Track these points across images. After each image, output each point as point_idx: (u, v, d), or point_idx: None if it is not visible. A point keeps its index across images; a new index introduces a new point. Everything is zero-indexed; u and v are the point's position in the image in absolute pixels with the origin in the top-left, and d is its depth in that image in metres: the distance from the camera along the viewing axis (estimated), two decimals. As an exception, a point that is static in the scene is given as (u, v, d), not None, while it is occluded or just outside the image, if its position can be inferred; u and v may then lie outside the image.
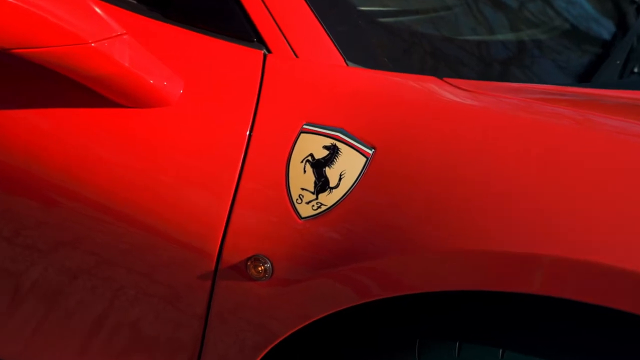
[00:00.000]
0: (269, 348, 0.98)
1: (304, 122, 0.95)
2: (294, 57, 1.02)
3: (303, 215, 0.92)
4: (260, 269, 0.93)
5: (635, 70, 1.45)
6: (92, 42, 0.85)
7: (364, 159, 0.91)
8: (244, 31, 1.02)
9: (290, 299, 0.95)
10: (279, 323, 0.97)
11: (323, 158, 0.92)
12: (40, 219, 1.05)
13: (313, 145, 0.93)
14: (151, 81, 0.94)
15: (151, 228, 0.99)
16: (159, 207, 0.98)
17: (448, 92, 0.99)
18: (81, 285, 1.10)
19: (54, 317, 1.16)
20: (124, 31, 0.88)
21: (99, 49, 0.86)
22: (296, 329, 0.97)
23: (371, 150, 0.91)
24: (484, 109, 0.95)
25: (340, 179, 0.91)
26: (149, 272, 1.03)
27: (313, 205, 0.91)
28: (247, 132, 0.95)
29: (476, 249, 0.83)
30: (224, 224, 0.94)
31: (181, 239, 0.98)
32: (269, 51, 1.02)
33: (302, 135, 0.94)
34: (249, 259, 0.94)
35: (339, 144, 0.92)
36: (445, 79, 1.05)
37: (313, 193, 0.92)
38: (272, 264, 0.93)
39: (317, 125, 0.94)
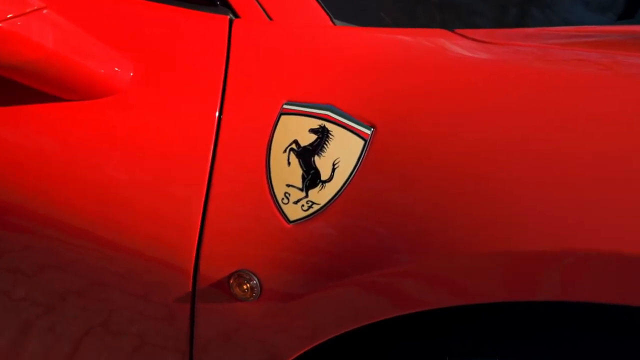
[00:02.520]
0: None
1: (284, 101, 0.75)
2: (267, 20, 0.82)
3: (292, 218, 0.73)
4: (245, 287, 0.75)
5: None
6: (-2, 22, 0.66)
7: (362, 142, 0.72)
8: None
9: (289, 319, 0.77)
10: (278, 348, 0.79)
11: (310, 145, 0.73)
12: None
13: (297, 129, 0.74)
14: (88, 65, 0.75)
15: (114, 243, 0.81)
16: (118, 219, 0.80)
17: (461, 48, 0.79)
18: (50, 313, 0.93)
19: (29, 343, 0.99)
20: (43, 5, 0.69)
21: (10, 29, 0.66)
22: (301, 352, 0.79)
23: (370, 129, 0.72)
24: (503, 64, 0.75)
25: (333, 170, 0.72)
26: (124, 296, 0.85)
27: (303, 205, 0.72)
28: (216, 114, 0.76)
29: (511, 250, 0.64)
30: (197, 235, 0.76)
31: (151, 254, 0.80)
32: (236, 15, 0.82)
33: (282, 117, 0.75)
34: (230, 275, 0.76)
35: (329, 126, 0.73)
36: (456, 30, 0.84)
37: (301, 190, 0.73)
38: (259, 281, 0.75)
39: (300, 104, 0.75)
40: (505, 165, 0.68)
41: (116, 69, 0.79)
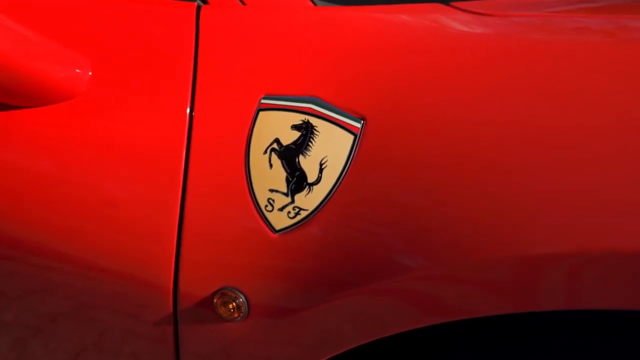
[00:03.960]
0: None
1: (262, 95, 0.66)
2: (239, 4, 0.73)
3: (277, 227, 0.64)
4: (231, 306, 0.67)
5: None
6: None
7: (352, 137, 0.63)
8: (164, -21, 0.73)
9: (285, 336, 0.69)
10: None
11: (294, 143, 0.65)
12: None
13: (277, 126, 0.65)
14: (39, 69, 0.66)
15: (92, 263, 0.73)
16: (92, 237, 0.71)
17: (459, 23, 0.70)
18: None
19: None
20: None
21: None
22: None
23: (360, 122, 0.63)
24: (504, 40, 0.67)
25: (321, 170, 0.63)
26: (114, 316, 0.77)
27: (289, 212, 0.64)
28: (187, 112, 0.67)
29: (521, 253, 0.56)
30: (174, 251, 0.67)
31: (130, 272, 0.72)
32: (204, 1, 0.73)
33: (260, 114, 0.66)
34: (214, 294, 0.67)
35: (313, 120, 0.64)
36: (452, 3, 0.75)
37: (286, 194, 0.64)
38: (246, 298, 0.66)
39: (280, 97, 0.66)
40: (511, 153, 0.59)
41: (72, 69, 0.70)
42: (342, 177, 0.64)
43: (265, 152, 0.66)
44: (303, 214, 0.65)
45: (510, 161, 0.60)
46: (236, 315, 0.68)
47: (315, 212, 0.64)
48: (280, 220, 0.65)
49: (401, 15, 0.73)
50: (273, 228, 0.66)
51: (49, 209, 0.73)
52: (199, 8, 0.73)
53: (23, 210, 0.73)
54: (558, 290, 0.59)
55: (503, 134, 0.61)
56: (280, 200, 0.65)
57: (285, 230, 0.65)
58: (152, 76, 0.70)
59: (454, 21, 0.72)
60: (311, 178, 0.65)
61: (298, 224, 0.65)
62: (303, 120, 0.65)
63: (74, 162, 0.71)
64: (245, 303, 0.67)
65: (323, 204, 0.64)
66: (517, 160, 0.59)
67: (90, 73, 0.71)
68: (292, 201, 0.65)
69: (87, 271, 0.73)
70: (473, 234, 0.60)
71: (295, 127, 0.65)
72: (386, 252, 0.63)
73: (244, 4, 0.74)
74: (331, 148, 0.64)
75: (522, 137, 0.60)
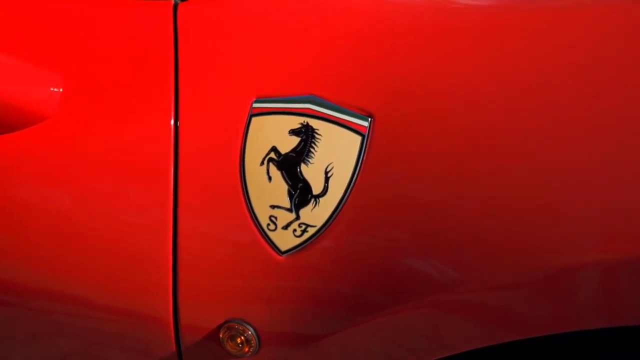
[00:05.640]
0: None
1: (253, 98, 0.58)
2: (222, -3, 0.64)
3: (283, 247, 0.56)
4: (239, 340, 0.59)
5: None
6: None
7: (359, 138, 0.54)
8: (135, -24, 0.65)
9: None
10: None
11: (293, 151, 0.56)
12: None
13: (273, 132, 0.56)
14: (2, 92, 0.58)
15: (90, 302, 0.66)
16: (85, 274, 0.64)
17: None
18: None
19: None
20: None
21: None
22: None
23: (367, 120, 0.54)
24: (516, 11, 0.57)
25: (327, 180, 0.55)
26: (123, 352, 0.70)
27: (295, 230, 0.55)
28: (172, 123, 0.59)
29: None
30: (170, 280, 0.59)
31: (129, 308, 0.65)
32: (181, -2, 0.64)
33: (253, 119, 0.57)
34: (219, 328, 0.59)
35: (313, 122, 0.56)
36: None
37: (290, 210, 0.56)
38: (255, 330, 0.58)
39: (274, 99, 0.58)
40: (536, 138, 0.50)
41: (40, 88, 0.62)
42: (351, 184, 0.55)
43: (262, 163, 0.57)
44: (311, 230, 0.56)
45: (537, 147, 0.51)
46: (246, 350, 0.60)
47: (325, 227, 0.56)
48: (285, 240, 0.57)
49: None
50: (278, 249, 0.57)
51: (36, 243, 0.65)
52: (175, 6, 0.65)
53: (6, 248, 0.66)
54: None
55: (525, 117, 0.52)
56: (284, 217, 0.57)
57: (293, 251, 0.57)
58: (129, 87, 0.62)
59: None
60: (316, 189, 0.56)
61: (306, 243, 0.56)
62: (302, 124, 0.57)
63: (51, 192, 0.64)
64: (255, 335, 0.59)
65: (333, 218, 0.56)
66: (545, 145, 0.50)
67: (60, 89, 0.63)
68: (297, 217, 0.56)
69: (88, 310, 0.66)
70: (513, 243, 0.51)
71: (293, 132, 0.57)
72: (412, 264, 0.55)
73: (226, -5, 0.65)
74: (336, 153, 0.56)
75: (548, 122, 0.51)
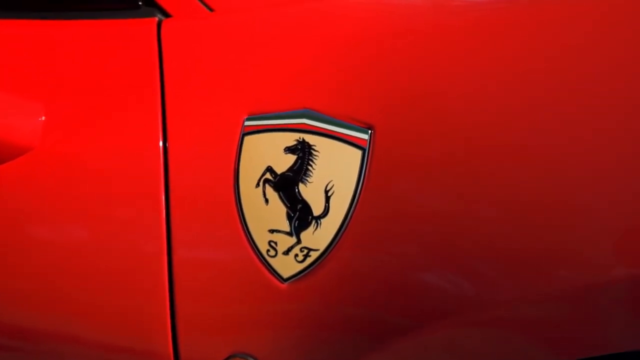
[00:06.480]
0: None
1: (245, 116, 0.54)
2: (207, 11, 0.61)
3: (286, 274, 0.52)
4: (245, 376, 0.54)
5: None
6: None
7: (359, 152, 0.50)
8: (115, -5, 0.62)
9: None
10: None
11: (290, 170, 0.52)
12: None
13: (268, 151, 0.52)
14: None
15: (89, 340, 0.62)
16: (78, 312, 0.61)
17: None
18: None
19: None
20: None
21: None
22: None
23: (367, 133, 0.50)
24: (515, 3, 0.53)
25: (328, 199, 0.51)
26: None
27: (297, 255, 0.51)
28: (160, 145, 0.55)
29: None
30: (167, 313, 0.55)
31: (129, 346, 0.60)
32: (165, 15, 0.61)
33: (246, 138, 0.53)
34: (223, 363, 0.55)
35: (309, 138, 0.52)
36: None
37: (290, 234, 0.52)
38: (261, 365, 0.54)
39: (266, 116, 0.54)
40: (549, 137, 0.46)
41: (19, 119, 0.59)
42: (354, 203, 0.51)
43: (258, 184, 0.53)
44: (314, 255, 0.52)
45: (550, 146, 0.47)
46: (253, 386, 0.55)
47: (329, 250, 0.52)
48: (287, 266, 0.53)
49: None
50: (281, 277, 0.53)
51: (23, 280, 0.62)
52: (159, 23, 0.61)
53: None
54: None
55: (536, 116, 0.48)
56: (284, 241, 0.53)
57: (296, 278, 0.53)
58: (114, 112, 0.59)
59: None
60: (317, 210, 0.52)
61: (310, 268, 0.52)
62: (297, 140, 0.53)
63: (39, 226, 0.60)
64: (261, 370, 0.55)
65: (336, 240, 0.52)
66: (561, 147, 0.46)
67: (43, 118, 0.60)
68: (299, 241, 0.52)
69: (85, 349, 0.62)
70: (531, 246, 0.47)
71: (289, 149, 0.53)
72: (427, 279, 0.50)
73: (212, 10, 0.62)
74: (336, 169, 0.52)
75: (558, 120, 0.47)
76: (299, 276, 0.53)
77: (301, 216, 0.52)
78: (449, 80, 0.51)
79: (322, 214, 0.52)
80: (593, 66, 0.49)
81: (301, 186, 0.53)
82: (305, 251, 0.52)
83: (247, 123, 0.55)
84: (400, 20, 0.55)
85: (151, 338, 0.59)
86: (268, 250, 0.53)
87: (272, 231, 0.53)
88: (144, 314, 0.58)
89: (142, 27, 0.62)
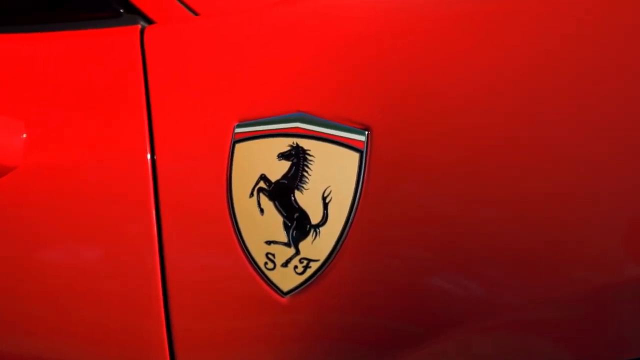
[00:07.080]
0: None
1: (235, 123, 0.51)
2: (192, 16, 0.58)
3: (285, 288, 0.49)
4: (247, 395, 0.51)
5: None
6: None
7: (357, 155, 0.48)
8: (94, 3, 0.59)
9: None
10: None
11: (285, 177, 0.49)
12: None
13: (261, 159, 0.50)
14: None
15: None
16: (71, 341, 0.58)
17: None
18: None
19: None
20: None
21: None
22: None
23: (363, 134, 0.48)
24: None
25: (326, 206, 0.48)
26: None
27: (296, 267, 0.49)
28: (148, 158, 0.52)
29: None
30: (164, 332, 0.53)
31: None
32: (148, 21, 0.59)
33: (237, 146, 0.51)
34: (223, 384, 0.52)
35: (303, 143, 0.49)
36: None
37: (288, 245, 0.49)
38: (265, 384, 0.51)
39: (257, 122, 0.51)
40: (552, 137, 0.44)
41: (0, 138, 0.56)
42: (354, 208, 0.48)
43: (252, 194, 0.51)
44: (314, 266, 0.49)
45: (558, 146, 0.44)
46: (257, 407, 0.53)
47: (329, 260, 0.49)
48: (287, 279, 0.50)
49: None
50: (280, 291, 0.51)
51: (14, 303, 0.59)
52: (142, 30, 0.58)
53: None
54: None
55: (537, 111, 0.45)
56: (282, 253, 0.50)
57: (296, 291, 0.50)
58: (98, 124, 0.56)
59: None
60: (315, 218, 0.49)
61: (310, 280, 0.50)
62: (291, 145, 0.50)
63: (27, 247, 0.58)
64: (264, 389, 0.52)
65: (337, 249, 0.49)
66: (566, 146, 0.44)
67: (24, 135, 0.57)
68: (297, 252, 0.50)
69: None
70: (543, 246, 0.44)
71: (282, 155, 0.50)
72: (436, 283, 0.48)
73: (196, 14, 0.59)
74: (333, 174, 0.49)
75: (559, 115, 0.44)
76: (299, 289, 0.50)
77: (299, 225, 0.50)
78: (449, 80, 0.49)
79: (320, 222, 0.49)
80: (599, 60, 0.46)
81: (297, 194, 0.50)
82: (305, 262, 0.50)
83: (237, 130, 0.52)
84: (398, 20, 0.52)
85: (149, 357, 0.56)
86: (266, 263, 0.51)
87: (269, 242, 0.51)
88: (140, 332, 0.56)
89: (124, 36, 0.59)
